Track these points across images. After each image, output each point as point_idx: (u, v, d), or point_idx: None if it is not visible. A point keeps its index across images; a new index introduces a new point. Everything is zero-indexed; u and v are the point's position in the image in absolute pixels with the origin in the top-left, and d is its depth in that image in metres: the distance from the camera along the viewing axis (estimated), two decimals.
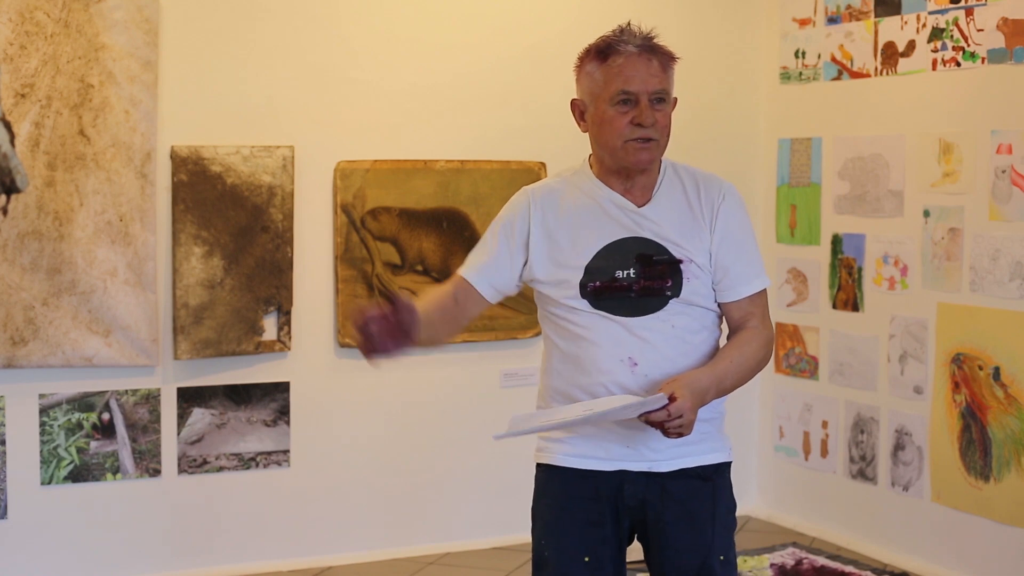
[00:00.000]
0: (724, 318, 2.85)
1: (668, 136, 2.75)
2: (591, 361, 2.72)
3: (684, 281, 2.72)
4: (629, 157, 2.70)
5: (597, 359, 2.72)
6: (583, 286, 2.72)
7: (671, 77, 2.76)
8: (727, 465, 2.85)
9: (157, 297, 4.70)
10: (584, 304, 2.72)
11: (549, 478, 2.83)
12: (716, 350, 2.81)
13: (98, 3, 4.53)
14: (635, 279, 2.71)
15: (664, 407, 2.58)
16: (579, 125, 2.81)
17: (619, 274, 2.71)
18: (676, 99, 2.78)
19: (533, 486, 2.90)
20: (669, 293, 2.72)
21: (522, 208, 2.81)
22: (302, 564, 5.01)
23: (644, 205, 2.76)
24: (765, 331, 2.82)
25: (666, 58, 2.74)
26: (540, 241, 2.77)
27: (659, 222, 2.74)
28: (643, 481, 2.75)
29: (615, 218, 2.75)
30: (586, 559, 2.75)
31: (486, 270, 2.81)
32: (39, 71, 4.47)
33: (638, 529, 2.82)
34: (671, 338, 2.72)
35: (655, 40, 2.75)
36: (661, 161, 2.81)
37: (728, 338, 2.84)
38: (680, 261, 2.72)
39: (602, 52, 2.73)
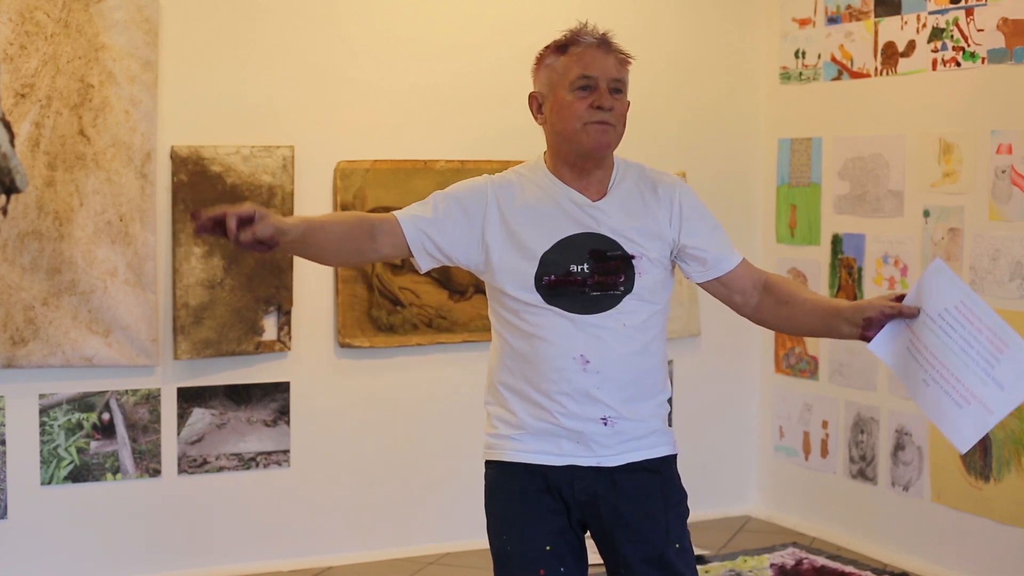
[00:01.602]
0: (727, 290, 2.88)
1: (623, 128, 2.80)
2: (543, 359, 2.75)
3: (636, 276, 2.76)
4: (589, 139, 2.74)
5: (549, 356, 2.74)
6: (538, 279, 2.74)
7: (627, 75, 2.81)
8: (673, 457, 2.89)
9: (157, 297, 4.70)
10: (537, 298, 2.74)
11: (502, 474, 2.84)
12: (663, 347, 2.86)
13: (98, 3, 4.53)
14: (589, 274, 2.74)
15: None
16: (536, 118, 2.86)
17: (573, 268, 2.74)
18: (629, 103, 2.82)
19: (484, 484, 2.90)
20: (622, 289, 2.76)
21: (480, 190, 2.82)
22: (302, 564, 5.01)
23: (599, 200, 2.79)
24: (778, 274, 3.01)
25: (622, 56, 2.80)
26: (497, 230, 2.78)
27: (614, 216, 2.77)
28: (593, 476, 2.78)
29: (570, 213, 2.77)
30: (548, 548, 2.78)
31: (421, 221, 2.78)
32: (39, 71, 4.47)
33: (591, 525, 2.84)
34: (622, 336, 2.76)
35: (612, 39, 2.81)
36: (613, 158, 2.85)
37: (759, 298, 2.87)
38: (632, 257, 2.76)
39: (562, 46, 2.79)
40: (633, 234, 2.77)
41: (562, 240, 2.75)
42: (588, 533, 2.87)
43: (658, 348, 2.84)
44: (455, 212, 2.79)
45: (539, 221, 2.77)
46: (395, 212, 2.81)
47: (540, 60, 2.84)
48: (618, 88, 2.77)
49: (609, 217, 2.77)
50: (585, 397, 2.75)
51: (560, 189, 2.80)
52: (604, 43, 2.78)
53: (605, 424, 2.76)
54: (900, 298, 2.77)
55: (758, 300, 2.88)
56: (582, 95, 2.74)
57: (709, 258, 2.85)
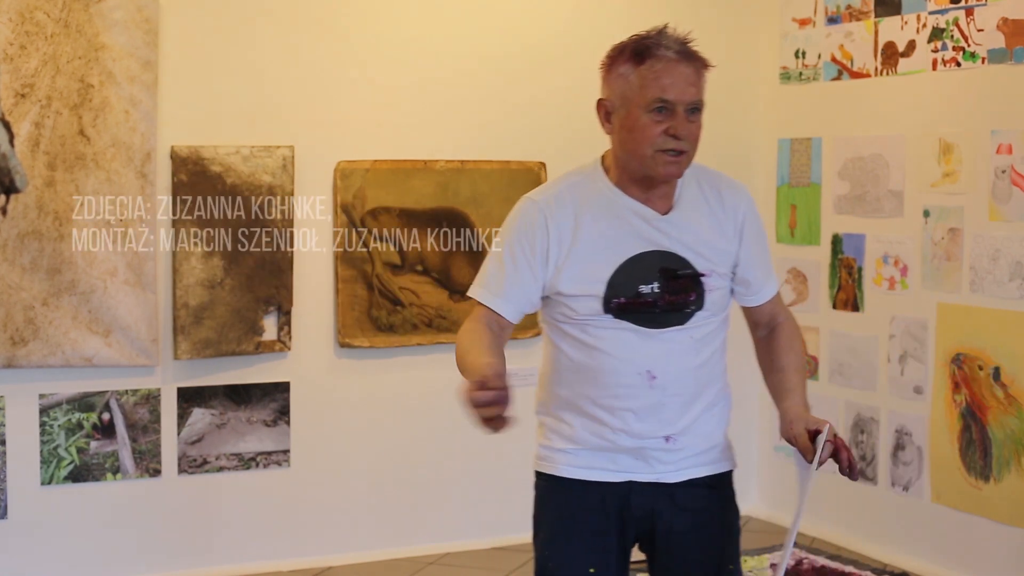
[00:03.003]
0: (748, 317, 2.85)
1: (696, 148, 2.64)
2: (607, 373, 2.64)
3: (706, 293, 2.65)
4: (658, 168, 2.59)
5: (615, 371, 2.63)
6: (607, 301, 2.61)
7: (704, 85, 2.63)
8: (731, 473, 2.85)
9: (157, 297, 4.70)
10: (607, 318, 2.62)
11: (552, 488, 2.75)
12: (724, 356, 2.78)
13: (98, 3, 4.53)
14: (659, 294, 2.62)
15: (829, 441, 2.62)
16: (603, 127, 2.66)
17: (643, 288, 2.61)
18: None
19: (534, 494, 2.82)
20: (693, 308, 2.65)
21: (538, 223, 2.64)
22: (302, 564, 5.01)
23: (667, 213, 2.66)
24: (791, 319, 2.86)
25: (701, 65, 2.62)
26: (560, 256, 2.63)
27: (683, 231, 2.65)
28: (651, 491, 2.70)
29: (637, 229, 2.63)
30: (591, 570, 2.69)
31: (512, 296, 2.66)
32: (39, 71, 4.47)
33: (644, 540, 2.77)
34: (689, 349, 2.66)
35: (692, 46, 2.63)
36: None
37: (764, 336, 2.84)
38: (703, 275, 2.65)
39: (639, 54, 2.59)
40: (704, 249, 2.66)
41: (630, 259, 2.62)
42: (637, 545, 2.80)
43: (720, 358, 2.75)
44: (523, 264, 2.65)
45: (604, 241, 2.63)
46: (483, 299, 2.66)
47: (611, 64, 2.63)
48: (696, 108, 2.59)
49: (680, 231, 2.65)
50: (649, 414, 2.65)
51: (624, 202, 2.65)
52: (685, 55, 2.59)
53: (667, 441, 2.68)
54: (816, 434, 2.67)
55: (763, 336, 2.85)
56: (658, 118, 2.55)
57: (753, 282, 2.77)
